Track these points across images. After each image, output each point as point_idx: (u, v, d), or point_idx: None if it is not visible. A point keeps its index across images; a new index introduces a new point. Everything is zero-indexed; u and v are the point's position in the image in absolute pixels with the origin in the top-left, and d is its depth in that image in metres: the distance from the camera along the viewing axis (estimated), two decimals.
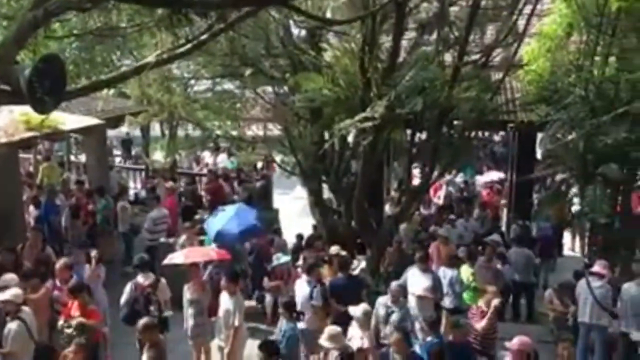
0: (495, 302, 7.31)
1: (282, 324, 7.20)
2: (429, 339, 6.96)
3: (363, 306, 7.08)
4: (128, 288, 7.71)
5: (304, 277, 8.31)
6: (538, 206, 13.05)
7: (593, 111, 8.88)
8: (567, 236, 13.87)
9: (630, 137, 8.53)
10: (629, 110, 7.79)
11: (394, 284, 7.59)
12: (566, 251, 13.62)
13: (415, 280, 8.22)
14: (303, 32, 11.21)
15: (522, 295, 10.37)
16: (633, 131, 8.41)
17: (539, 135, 12.54)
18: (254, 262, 10.36)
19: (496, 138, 21.72)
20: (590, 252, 10.35)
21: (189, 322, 7.86)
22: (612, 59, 9.27)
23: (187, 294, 7.90)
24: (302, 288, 8.15)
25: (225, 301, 7.60)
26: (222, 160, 17.89)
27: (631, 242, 9.89)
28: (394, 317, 7.24)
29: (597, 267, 8.30)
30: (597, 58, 9.26)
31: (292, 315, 7.24)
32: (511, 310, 10.42)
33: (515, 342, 6.10)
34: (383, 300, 7.49)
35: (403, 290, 7.69)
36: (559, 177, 12.63)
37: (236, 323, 7.38)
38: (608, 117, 7.77)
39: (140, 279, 7.80)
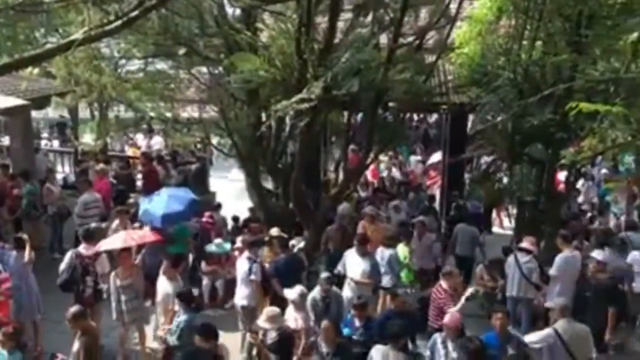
0: (471, 290, 7.36)
1: (180, 314, 6.82)
2: (357, 323, 6.90)
3: (299, 287, 7.13)
4: (68, 255, 7.81)
5: (245, 253, 8.29)
6: (469, 185, 13.50)
7: (521, 93, 9.22)
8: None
9: (554, 119, 8.93)
10: (554, 92, 8.11)
11: (322, 277, 7.35)
12: (496, 228, 14.14)
13: (354, 265, 8.14)
14: (238, 12, 11.02)
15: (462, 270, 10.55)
16: (557, 112, 8.79)
17: (471, 117, 12.94)
18: (198, 245, 10.26)
19: (430, 120, 22.23)
20: (518, 229, 10.78)
21: (124, 308, 7.66)
22: (538, 43, 9.64)
23: (118, 280, 7.62)
24: (242, 264, 8.16)
25: (164, 285, 7.48)
26: (156, 142, 17.49)
27: (555, 218, 10.39)
28: (333, 308, 7.15)
29: (524, 243, 8.66)
30: (524, 42, 9.60)
31: (189, 306, 6.80)
32: None
33: (447, 318, 6.30)
34: (318, 295, 7.25)
35: (332, 279, 7.51)
36: (485, 159, 13.08)
37: (175, 307, 7.26)
38: (534, 99, 8.07)
39: (82, 248, 7.90)
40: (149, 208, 9.44)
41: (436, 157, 16.29)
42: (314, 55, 9.01)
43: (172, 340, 6.49)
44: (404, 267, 9.08)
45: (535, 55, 9.48)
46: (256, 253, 8.35)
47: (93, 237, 8.27)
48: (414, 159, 18.41)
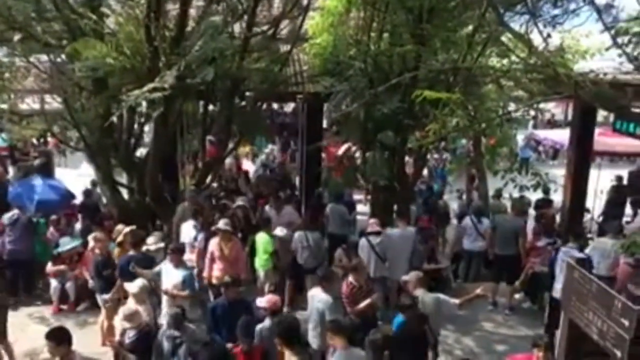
0: (374, 297, 7.43)
1: None
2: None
3: (140, 280, 6.88)
4: None
5: (190, 221, 9.13)
6: (327, 173, 13.87)
7: (371, 82, 9.61)
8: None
9: (402, 106, 9.44)
10: (401, 81, 8.53)
11: (170, 315, 6.37)
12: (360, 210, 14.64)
13: (167, 276, 7.60)
14: None
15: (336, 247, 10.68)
16: (404, 100, 9.30)
17: (326, 106, 13.29)
18: None
19: (287, 109, 22.52)
20: (373, 212, 11.29)
21: None
22: (385, 34, 10.12)
23: None
24: (189, 231, 8.98)
25: None
26: None
27: (406, 199, 11.05)
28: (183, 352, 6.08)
29: (372, 227, 9.10)
30: (373, 33, 10.02)
31: None
32: None
33: (263, 304, 6.47)
34: (170, 332, 6.20)
35: (182, 317, 6.44)
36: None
37: None
38: (383, 88, 8.44)
39: None
40: (22, 192, 8.79)
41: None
42: (165, 43, 8.71)
43: None
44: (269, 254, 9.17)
45: (382, 46, 9.94)
46: (201, 222, 9.10)
47: None
48: (272, 147, 18.60)
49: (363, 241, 8.96)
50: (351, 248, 9.35)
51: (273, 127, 20.62)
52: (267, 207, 10.61)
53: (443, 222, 12.45)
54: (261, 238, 9.19)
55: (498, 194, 12.44)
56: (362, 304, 7.19)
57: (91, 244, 9.07)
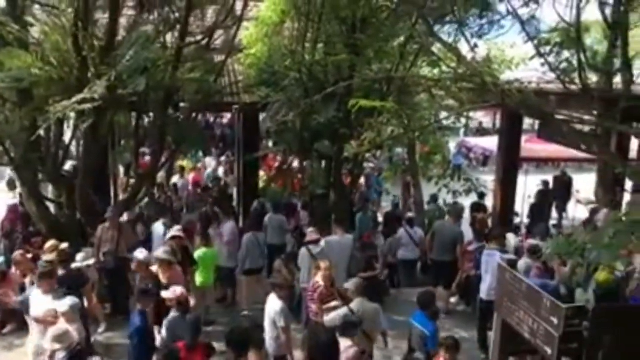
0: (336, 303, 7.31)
1: None
2: None
3: (69, 299, 6.59)
4: None
5: (161, 220, 9.84)
6: (265, 183, 13.82)
7: (307, 92, 9.67)
8: None
9: (338, 116, 9.54)
10: (336, 90, 8.62)
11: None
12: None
13: (35, 304, 6.97)
14: (2, 3, 9.88)
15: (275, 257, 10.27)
16: (340, 110, 9.41)
17: (262, 116, 13.27)
18: None
19: (224, 120, 22.38)
20: (313, 221, 11.30)
21: None
22: (320, 45, 10.22)
23: None
24: (158, 228, 9.59)
25: None
26: None
27: (343, 209, 11.13)
28: None
29: (311, 236, 9.10)
30: (307, 44, 10.11)
31: None
32: None
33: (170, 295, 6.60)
34: None
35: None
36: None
37: None
38: (319, 97, 8.50)
39: None
40: None
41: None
42: (94, 53, 8.47)
43: None
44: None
45: (317, 56, 10.04)
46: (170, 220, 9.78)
47: None
48: (209, 160, 18.37)
49: (303, 251, 8.94)
50: (290, 259, 9.33)
51: (210, 138, 20.42)
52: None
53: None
54: (206, 253, 9.00)
55: (434, 200, 12.74)
56: (332, 304, 7.22)
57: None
